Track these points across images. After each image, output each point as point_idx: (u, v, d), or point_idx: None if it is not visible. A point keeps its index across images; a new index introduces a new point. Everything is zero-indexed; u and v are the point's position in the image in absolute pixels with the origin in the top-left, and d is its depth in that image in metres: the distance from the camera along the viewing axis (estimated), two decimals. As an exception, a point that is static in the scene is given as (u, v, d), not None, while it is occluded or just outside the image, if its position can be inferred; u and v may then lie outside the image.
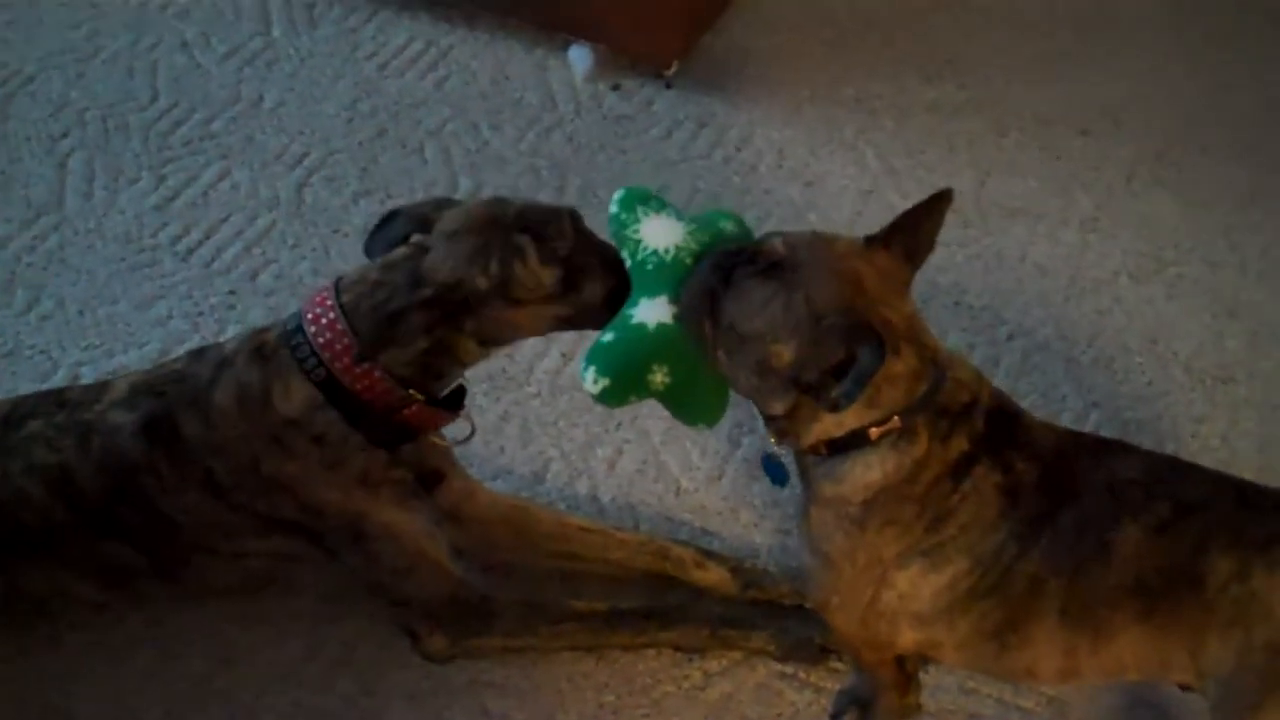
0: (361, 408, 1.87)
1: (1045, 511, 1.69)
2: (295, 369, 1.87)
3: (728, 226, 1.84)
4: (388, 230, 1.92)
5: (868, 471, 1.70)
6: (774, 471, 1.86)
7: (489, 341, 1.91)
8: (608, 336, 1.76)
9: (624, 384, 1.74)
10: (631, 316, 1.76)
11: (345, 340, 1.84)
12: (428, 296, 1.82)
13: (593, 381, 1.73)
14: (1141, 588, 1.65)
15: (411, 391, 1.88)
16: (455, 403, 1.97)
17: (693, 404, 1.81)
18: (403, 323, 1.82)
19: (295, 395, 1.87)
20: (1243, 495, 1.70)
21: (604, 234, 1.88)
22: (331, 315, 1.85)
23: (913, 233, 1.69)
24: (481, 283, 1.83)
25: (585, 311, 1.87)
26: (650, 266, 1.78)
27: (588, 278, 1.86)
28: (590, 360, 1.74)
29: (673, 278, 1.76)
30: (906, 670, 1.95)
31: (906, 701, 1.98)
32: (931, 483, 1.69)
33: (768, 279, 1.65)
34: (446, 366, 1.91)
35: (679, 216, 1.83)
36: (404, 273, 1.85)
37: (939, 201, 1.69)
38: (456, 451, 2.18)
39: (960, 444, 1.70)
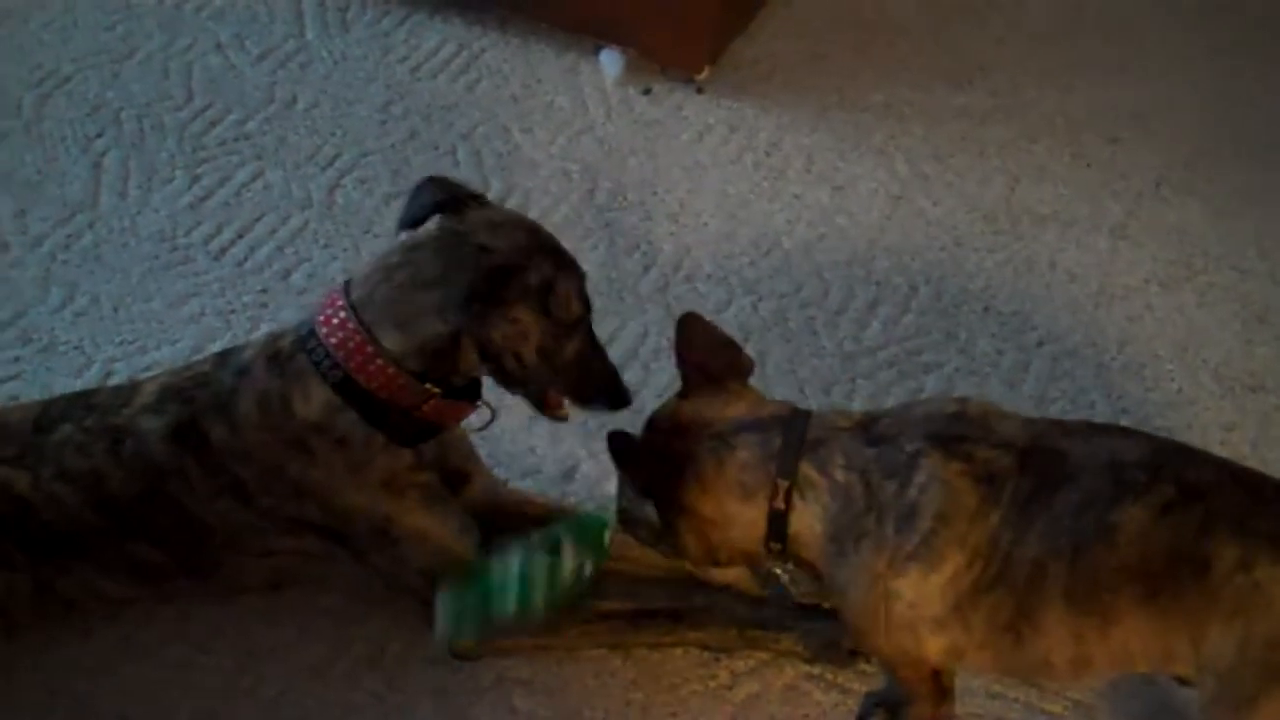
0: (380, 406, 1.88)
1: (1039, 494, 1.70)
2: (313, 373, 1.88)
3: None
4: (420, 196, 1.93)
5: (809, 530, 1.81)
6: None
7: (491, 351, 1.89)
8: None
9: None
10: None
11: (358, 338, 1.85)
12: (497, 264, 1.83)
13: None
14: (1145, 571, 1.65)
15: (429, 385, 1.88)
16: (474, 393, 1.97)
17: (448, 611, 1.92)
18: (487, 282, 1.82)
19: (314, 399, 1.88)
20: (1249, 483, 1.70)
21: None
22: (343, 315, 1.86)
23: (706, 371, 1.89)
24: (533, 278, 1.85)
25: (558, 368, 1.93)
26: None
27: (575, 341, 1.93)
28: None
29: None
30: (943, 684, 1.96)
31: (940, 713, 1.98)
32: (866, 493, 1.76)
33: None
34: (447, 366, 1.89)
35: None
36: (445, 247, 1.85)
37: (686, 332, 1.90)
38: (485, 450, 2.20)
39: (863, 452, 1.77)
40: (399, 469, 1.94)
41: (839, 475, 1.79)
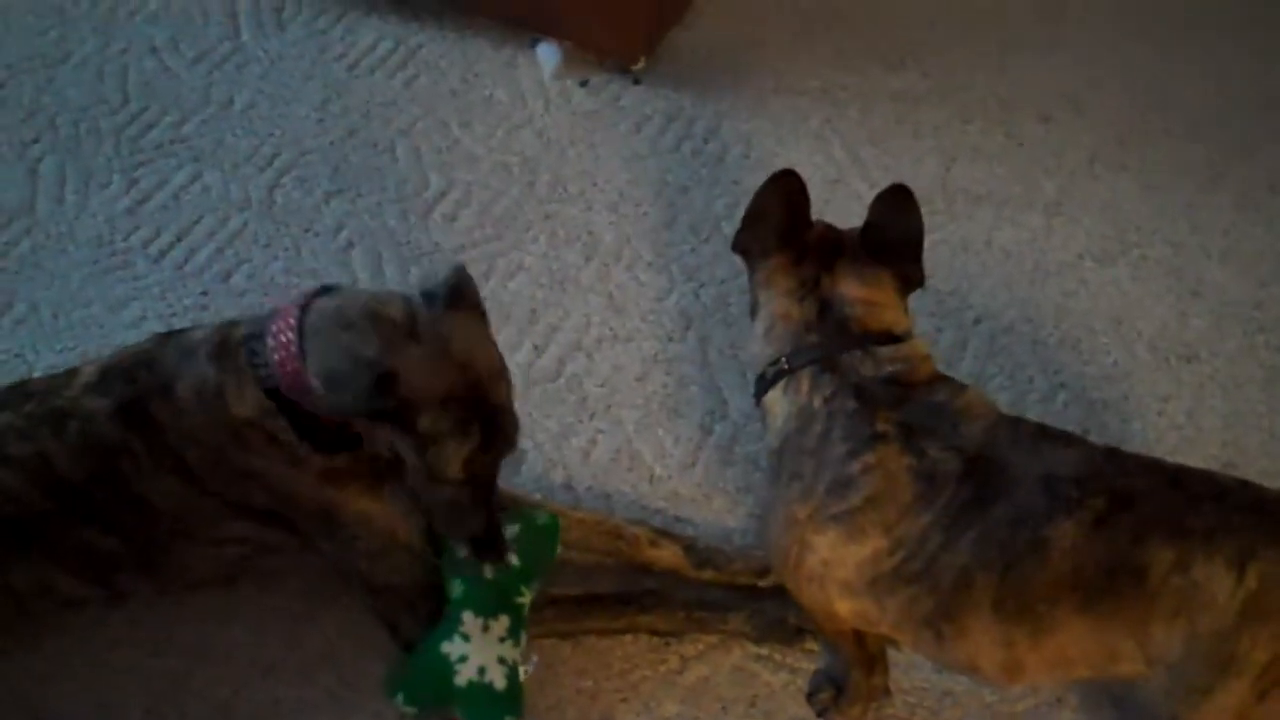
0: (310, 418, 1.88)
1: (973, 505, 1.72)
2: (249, 372, 1.88)
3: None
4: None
5: (771, 413, 1.88)
6: None
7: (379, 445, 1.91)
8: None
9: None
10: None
11: (294, 364, 1.83)
12: (398, 399, 1.76)
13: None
14: (1080, 582, 1.68)
15: None
16: None
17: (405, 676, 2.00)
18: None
19: (249, 398, 1.88)
20: (1179, 484, 1.71)
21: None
22: (290, 334, 1.84)
23: (881, 245, 1.94)
24: (424, 423, 1.78)
25: (427, 502, 1.90)
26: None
27: (451, 490, 1.86)
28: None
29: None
30: (869, 650, 1.98)
31: (873, 682, 2.01)
32: (820, 437, 1.80)
33: None
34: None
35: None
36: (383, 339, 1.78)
37: (900, 202, 1.95)
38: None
39: (845, 403, 1.80)
40: (337, 465, 1.94)
41: (815, 402, 1.82)
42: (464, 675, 1.94)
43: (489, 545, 1.91)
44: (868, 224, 1.94)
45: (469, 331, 1.83)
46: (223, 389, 1.88)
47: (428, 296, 1.83)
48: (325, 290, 1.90)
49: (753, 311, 1.98)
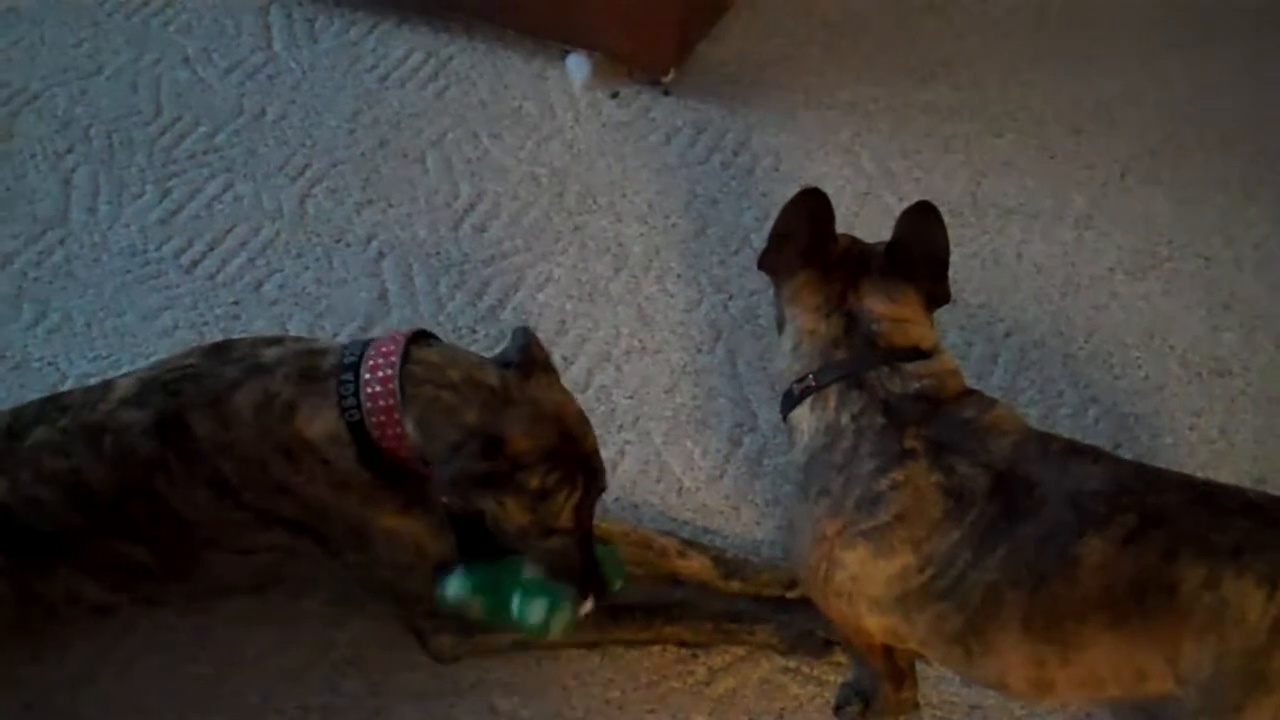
0: (380, 454, 1.89)
1: (1001, 522, 1.71)
2: (334, 400, 1.88)
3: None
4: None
5: (798, 428, 1.87)
6: None
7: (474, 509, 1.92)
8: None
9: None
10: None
11: (390, 401, 1.85)
12: (501, 465, 1.82)
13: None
14: (1110, 599, 1.66)
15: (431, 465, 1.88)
16: None
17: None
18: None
19: (320, 423, 1.89)
20: (1209, 500, 1.70)
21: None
22: (390, 372, 1.86)
23: (909, 263, 1.90)
24: (533, 482, 1.84)
25: (534, 550, 1.91)
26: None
27: (558, 539, 1.90)
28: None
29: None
30: (898, 664, 1.98)
31: (902, 697, 2.00)
32: (848, 453, 1.79)
33: None
34: None
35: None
36: (490, 409, 1.83)
37: (926, 222, 1.90)
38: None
39: (873, 419, 1.79)
40: (376, 487, 1.94)
41: (843, 419, 1.82)
42: (530, 572, 1.93)
43: (593, 580, 1.94)
44: (893, 240, 1.93)
45: (550, 388, 1.91)
46: (294, 407, 1.89)
47: (506, 363, 1.89)
48: (422, 336, 1.93)
49: (779, 327, 1.97)
